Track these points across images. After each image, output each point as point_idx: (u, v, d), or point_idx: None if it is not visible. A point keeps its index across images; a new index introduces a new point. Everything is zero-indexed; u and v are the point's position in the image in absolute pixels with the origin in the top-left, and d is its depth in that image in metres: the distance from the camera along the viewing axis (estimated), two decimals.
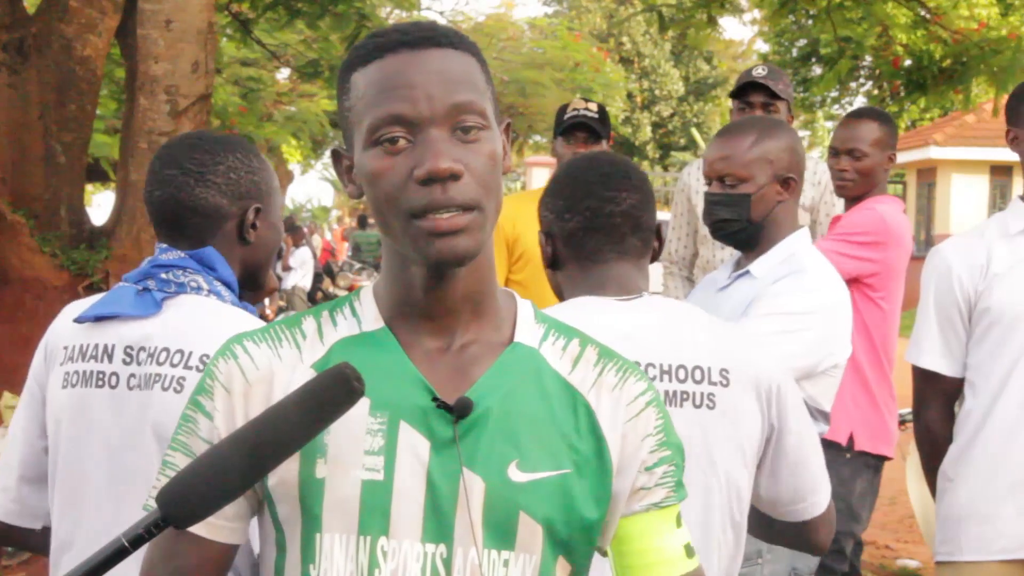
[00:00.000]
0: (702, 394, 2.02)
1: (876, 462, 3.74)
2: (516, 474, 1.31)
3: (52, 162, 6.13)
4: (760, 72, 3.98)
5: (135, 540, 1.11)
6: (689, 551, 1.42)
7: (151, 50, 5.42)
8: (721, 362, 2.03)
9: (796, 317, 2.51)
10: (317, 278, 15.93)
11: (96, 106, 6.56)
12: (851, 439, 3.66)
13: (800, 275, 2.56)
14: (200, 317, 1.98)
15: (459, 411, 1.30)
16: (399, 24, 1.34)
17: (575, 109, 4.15)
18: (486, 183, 1.27)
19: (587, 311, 2.02)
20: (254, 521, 1.40)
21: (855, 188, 3.73)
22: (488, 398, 1.32)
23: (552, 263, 2.17)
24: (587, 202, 2.10)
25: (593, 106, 4.16)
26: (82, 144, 6.27)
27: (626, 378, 1.39)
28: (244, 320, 1.98)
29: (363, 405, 1.30)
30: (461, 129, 1.26)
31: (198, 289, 2.01)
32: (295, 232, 16.07)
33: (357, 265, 18.10)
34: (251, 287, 2.15)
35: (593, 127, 4.07)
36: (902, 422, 4.35)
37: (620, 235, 2.11)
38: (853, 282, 3.60)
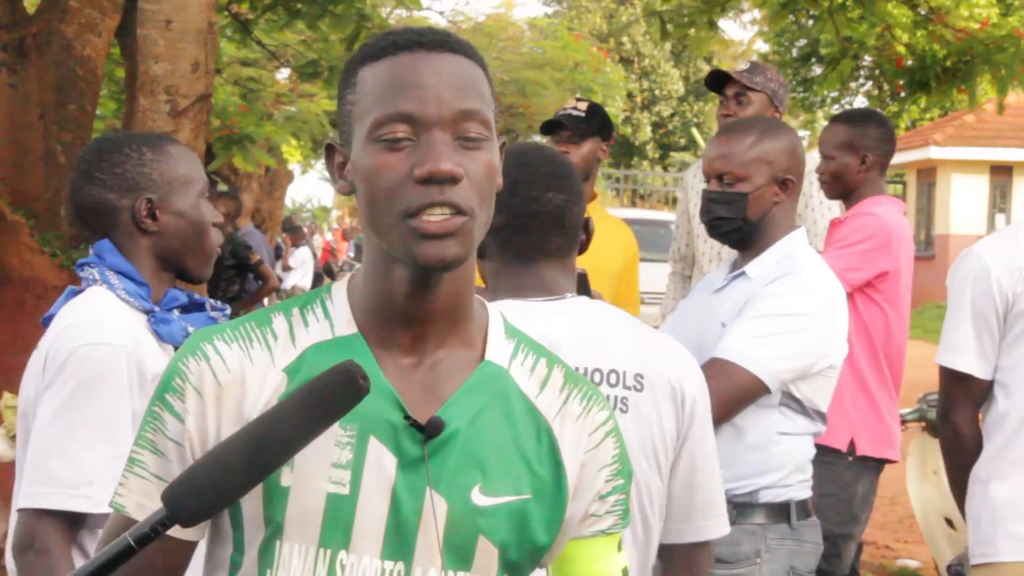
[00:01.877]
0: (615, 398, 2.02)
1: (878, 465, 3.73)
2: (479, 498, 1.32)
3: (52, 162, 6.12)
4: (740, 67, 4.13)
5: (141, 539, 1.11)
6: (625, 575, 1.46)
7: (151, 50, 5.41)
8: (637, 367, 2.03)
9: (790, 319, 2.51)
10: (317, 278, 15.93)
11: (96, 106, 6.56)
12: (852, 444, 3.65)
13: (795, 276, 2.56)
14: (67, 307, 2.13)
15: (430, 431, 1.29)
16: (412, 27, 1.34)
17: (564, 108, 4.19)
18: (482, 192, 1.28)
19: (509, 316, 2.02)
20: None
21: (830, 190, 3.81)
22: (457, 419, 1.31)
23: (479, 252, 2.17)
24: (512, 200, 2.07)
25: (582, 105, 4.18)
26: (82, 144, 6.25)
27: (590, 407, 1.40)
28: (86, 306, 2.09)
29: None
30: (464, 136, 1.27)
31: (94, 281, 2.14)
32: (295, 232, 16.06)
33: (357, 265, 18.10)
34: (182, 276, 2.23)
35: (568, 124, 4.08)
36: (903, 422, 4.34)
37: (544, 236, 2.09)
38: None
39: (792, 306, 2.53)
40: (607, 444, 1.40)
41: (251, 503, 1.31)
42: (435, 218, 1.24)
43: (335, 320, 1.35)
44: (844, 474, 3.62)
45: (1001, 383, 2.82)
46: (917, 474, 5.18)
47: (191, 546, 1.37)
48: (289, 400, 1.17)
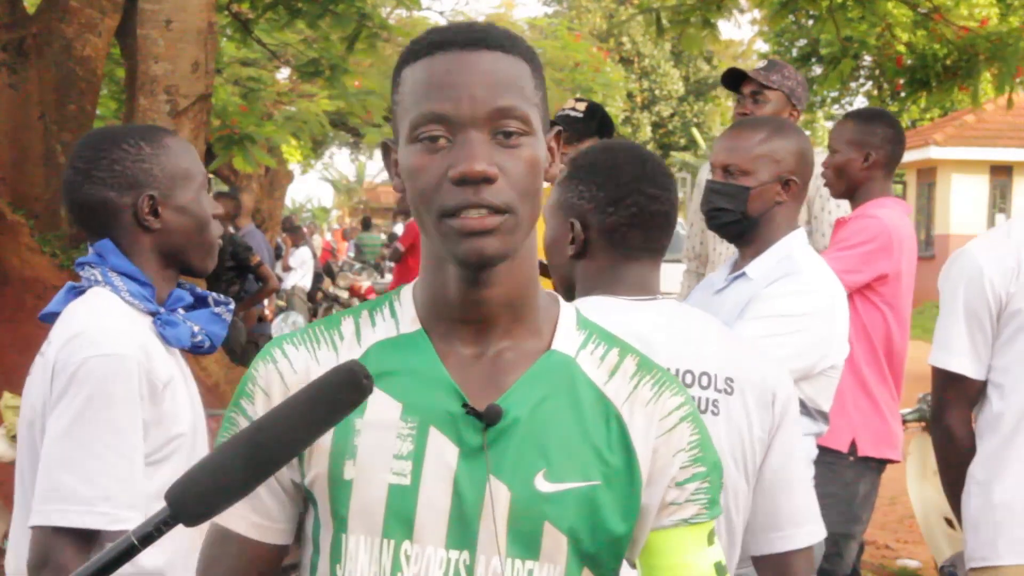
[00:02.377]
0: (706, 400, 2.02)
1: (879, 465, 3.73)
2: (543, 484, 1.31)
3: (52, 162, 6.13)
4: (757, 65, 4.09)
5: (144, 538, 1.11)
6: (720, 570, 1.41)
7: (151, 50, 5.42)
8: (728, 370, 2.03)
9: (791, 319, 2.51)
10: (317, 278, 15.91)
11: (96, 106, 6.57)
12: (853, 445, 3.65)
13: (795, 276, 2.56)
14: (71, 310, 2.06)
15: (489, 418, 1.30)
16: (455, 23, 1.35)
17: (563, 109, 4.20)
18: (522, 188, 1.27)
19: (601, 311, 2.02)
20: None
21: (833, 187, 3.82)
22: (519, 406, 1.31)
23: (579, 252, 2.15)
24: (634, 198, 2.08)
25: (581, 105, 4.18)
26: None
27: (661, 392, 1.38)
28: (92, 312, 2.01)
29: (395, 409, 1.32)
30: (502, 133, 1.26)
31: (96, 282, 2.07)
32: (295, 232, 16.04)
33: (357, 265, 18.08)
34: (185, 272, 2.16)
35: (566, 126, 4.08)
36: (904, 422, 4.34)
37: (659, 234, 2.11)
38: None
39: (793, 307, 2.53)
40: (681, 429, 1.37)
41: (322, 500, 1.34)
42: (473, 217, 1.25)
43: (401, 319, 1.37)
44: (846, 473, 3.62)
45: (995, 383, 2.81)
46: (917, 474, 5.17)
47: (278, 550, 1.39)
48: (292, 399, 1.16)
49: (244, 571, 1.38)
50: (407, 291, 1.40)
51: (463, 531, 1.30)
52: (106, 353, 1.93)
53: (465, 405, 1.30)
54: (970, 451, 2.85)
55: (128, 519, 1.89)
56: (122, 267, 2.07)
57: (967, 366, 2.81)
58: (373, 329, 1.37)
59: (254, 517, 1.37)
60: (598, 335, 1.40)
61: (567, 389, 1.34)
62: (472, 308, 1.32)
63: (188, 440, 2.04)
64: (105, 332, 1.97)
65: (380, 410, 1.32)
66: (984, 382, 2.83)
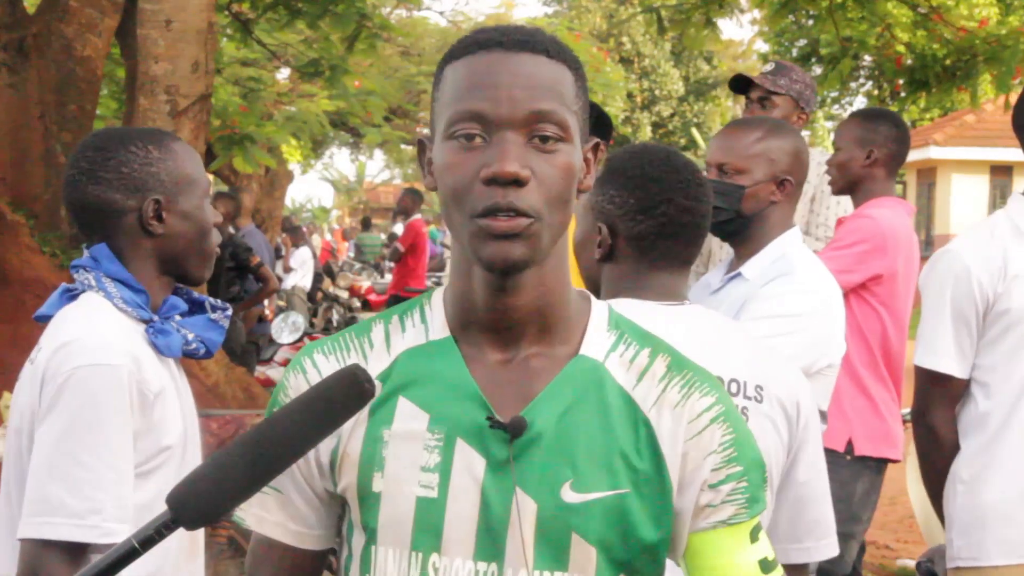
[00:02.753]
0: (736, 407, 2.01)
1: (878, 464, 3.73)
2: (569, 495, 1.30)
3: (52, 162, 6.13)
4: (765, 68, 4.07)
5: (145, 541, 1.11)
6: (766, 566, 1.38)
7: (151, 50, 5.42)
8: (757, 378, 2.02)
9: (788, 319, 2.51)
10: (317, 278, 15.91)
11: (96, 106, 6.57)
12: (850, 444, 3.65)
13: (791, 276, 2.57)
14: (63, 315, 2.03)
15: (513, 431, 1.29)
16: (501, 25, 1.34)
17: None
18: (553, 194, 1.26)
19: (630, 314, 2.01)
20: None
21: (835, 183, 3.84)
22: (545, 416, 1.30)
23: (606, 255, 2.13)
24: (664, 208, 2.06)
25: None
26: None
27: (690, 394, 1.35)
28: (83, 320, 1.97)
29: (422, 420, 1.31)
30: (539, 137, 1.26)
31: (89, 286, 2.04)
32: (295, 232, 16.05)
33: (357, 265, 18.09)
34: (181, 279, 2.13)
35: None
36: (904, 422, 4.34)
37: (689, 244, 2.09)
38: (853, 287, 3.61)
39: (791, 306, 2.53)
40: (712, 431, 1.34)
41: (353, 510, 1.34)
42: (500, 219, 1.24)
43: (431, 325, 1.37)
44: (843, 473, 3.62)
45: (980, 382, 2.81)
46: (917, 474, 5.17)
47: (317, 555, 1.41)
48: (293, 403, 1.17)
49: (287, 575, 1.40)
50: (438, 295, 1.39)
51: (491, 544, 1.30)
52: (96, 363, 1.89)
53: (490, 418, 1.29)
54: (953, 450, 2.84)
55: (118, 532, 1.86)
56: (116, 273, 2.04)
57: (953, 366, 2.81)
58: (402, 336, 1.37)
59: (292, 525, 1.38)
60: (630, 334, 1.38)
61: (595, 395, 1.33)
62: (499, 315, 1.31)
63: (178, 452, 2.01)
64: (96, 341, 1.93)
65: (407, 421, 1.32)
66: (968, 381, 2.83)
